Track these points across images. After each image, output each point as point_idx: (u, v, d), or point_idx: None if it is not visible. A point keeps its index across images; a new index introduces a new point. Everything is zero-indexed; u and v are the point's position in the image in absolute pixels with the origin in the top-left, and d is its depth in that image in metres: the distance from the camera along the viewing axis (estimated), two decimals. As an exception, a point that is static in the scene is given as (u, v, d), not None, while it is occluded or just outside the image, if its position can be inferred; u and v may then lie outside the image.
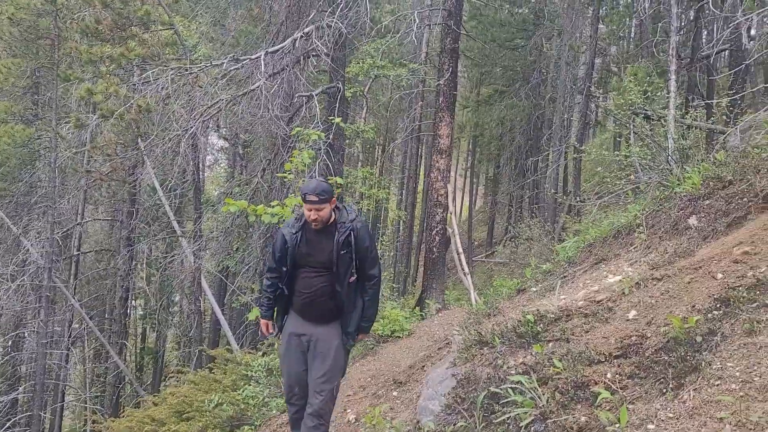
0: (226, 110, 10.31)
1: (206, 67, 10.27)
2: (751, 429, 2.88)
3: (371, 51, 14.74)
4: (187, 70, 10.21)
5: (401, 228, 28.57)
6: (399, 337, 7.90)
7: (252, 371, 7.17)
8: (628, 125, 9.02)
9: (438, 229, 10.34)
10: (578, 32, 18.52)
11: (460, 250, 9.84)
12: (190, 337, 16.42)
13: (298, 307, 4.36)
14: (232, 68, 10.11)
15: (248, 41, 14.60)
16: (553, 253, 7.92)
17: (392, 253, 26.49)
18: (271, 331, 4.56)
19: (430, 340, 7.50)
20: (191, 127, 9.66)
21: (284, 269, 4.29)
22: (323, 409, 4.34)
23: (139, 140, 12.28)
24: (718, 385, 3.26)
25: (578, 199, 10.12)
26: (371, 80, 15.83)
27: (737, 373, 3.24)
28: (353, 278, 4.29)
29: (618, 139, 20.74)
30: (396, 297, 11.99)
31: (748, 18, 9.02)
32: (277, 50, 10.33)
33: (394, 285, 14.64)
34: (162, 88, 10.13)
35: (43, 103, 17.14)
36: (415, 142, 26.39)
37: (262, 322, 4.54)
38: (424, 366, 6.24)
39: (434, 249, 10.36)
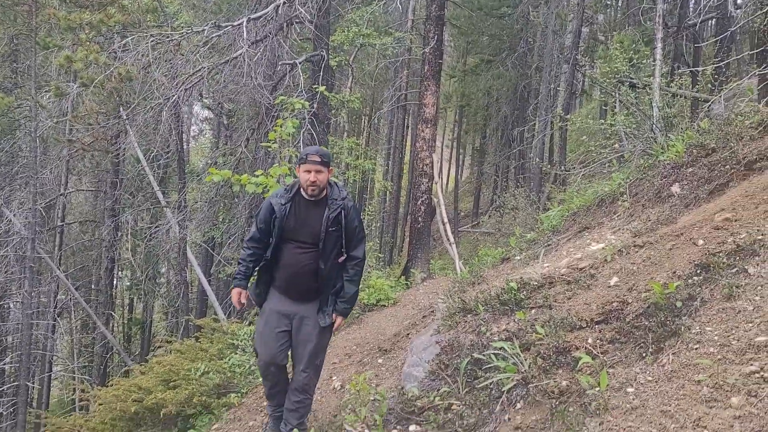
0: (208, 78, 10.14)
1: (187, 34, 10.06)
2: (727, 391, 2.93)
3: (356, 19, 14.53)
4: (167, 37, 10.00)
5: (388, 199, 28.57)
6: (384, 305, 7.95)
7: (238, 340, 7.18)
8: (613, 94, 9.01)
9: (423, 198, 10.33)
10: (565, 0, 18.35)
11: (446, 219, 9.85)
12: (177, 308, 16.42)
13: (281, 284, 4.25)
14: (213, 35, 9.91)
15: (230, 8, 14.33)
16: (538, 222, 7.96)
17: (378, 224, 26.53)
18: (243, 301, 4.35)
19: (415, 308, 7.55)
20: (173, 96, 9.51)
21: (270, 240, 4.17)
22: (308, 385, 4.33)
23: (121, 109, 12.09)
24: (696, 348, 3.31)
25: (563, 168, 10.14)
26: (356, 49, 15.64)
27: (716, 337, 3.29)
28: (341, 258, 4.22)
29: (604, 107, 20.77)
30: (382, 267, 12.04)
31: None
32: (260, 17, 10.14)
33: (380, 255, 14.67)
34: (142, 55, 9.93)
35: (22, 72, 16.80)
36: (401, 113, 26.26)
37: (235, 291, 4.34)
38: (408, 334, 6.29)
39: (419, 219, 10.36)
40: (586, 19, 18.92)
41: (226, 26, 10.02)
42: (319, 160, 4.02)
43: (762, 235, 3.70)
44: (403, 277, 9.85)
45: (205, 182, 10.91)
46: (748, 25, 9.61)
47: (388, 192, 26.93)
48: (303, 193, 4.16)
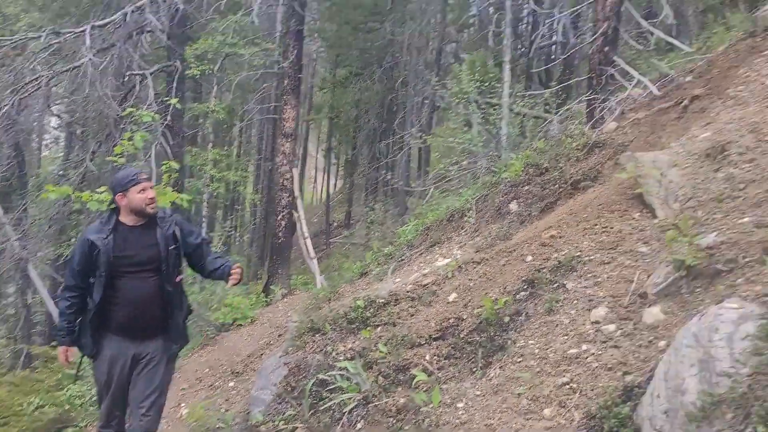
0: (47, 88, 9.38)
1: (21, 40, 9.25)
2: (542, 402, 3.11)
3: (222, 28, 14.10)
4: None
5: (258, 211, 28.02)
6: (241, 324, 7.76)
7: (79, 369, 6.69)
8: (467, 112, 9.41)
9: (284, 213, 10.19)
10: (428, 18, 18.97)
11: (306, 234, 9.79)
12: (16, 335, 15.06)
13: (121, 324, 3.91)
14: (53, 41, 9.19)
15: (82, 12, 13.42)
16: (396, 236, 8.09)
17: (248, 236, 25.96)
18: (71, 359, 4.04)
19: (272, 326, 7.43)
20: (4, 106, 8.71)
21: (91, 283, 3.84)
22: (153, 428, 4.09)
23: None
24: (519, 362, 3.49)
25: (420, 184, 10.43)
26: (222, 58, 15.19)
27: (536, 350, 3.48)
28: (180, 277, 4.04)
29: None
30: (245, 282, 11.72)
31: (561, 16, 9.73)
32: (106, 24, 9.56)
33: (247, 269, 14.31)
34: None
35: None
36: (270, 123, 25.89)
37: (61, 349, 3.99)
38: (263, 354, 6.18)
39: (280, 234, 10.22)
40: (447, 36, 19.68)
41: (67, 32, 9.34)
42: (148, 177, 3.97)
43: (580, 251, 3.98)
44: (263, 293, 9.67)
45: (43, 200, 10.07)
46: (585, 51, 10.41)
47: (258, 205, 26.38)
48: (125, 220, 3.93)
